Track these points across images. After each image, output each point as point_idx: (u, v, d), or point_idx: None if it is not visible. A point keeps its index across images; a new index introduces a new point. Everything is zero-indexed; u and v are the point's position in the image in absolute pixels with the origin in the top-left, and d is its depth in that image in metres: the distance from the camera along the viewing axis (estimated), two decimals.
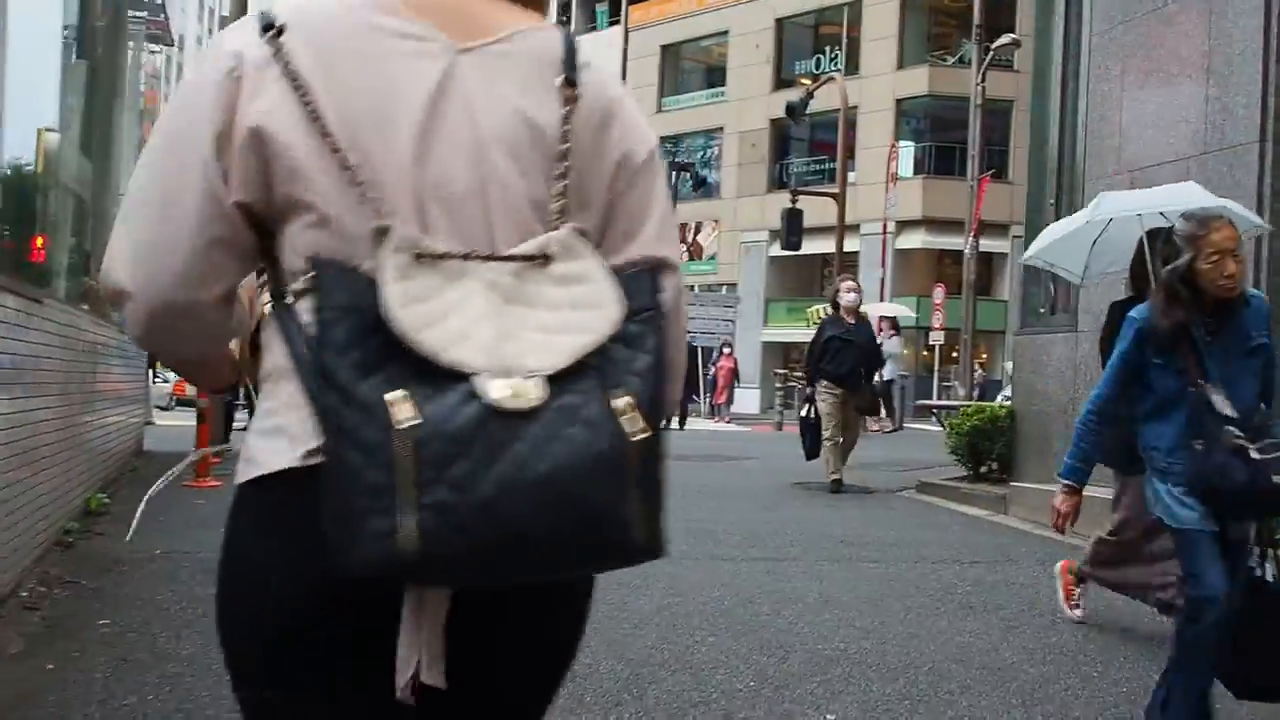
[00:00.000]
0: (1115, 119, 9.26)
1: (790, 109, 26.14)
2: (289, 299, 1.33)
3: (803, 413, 10.79)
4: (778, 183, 46.44)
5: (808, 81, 45.54)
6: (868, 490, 10.72)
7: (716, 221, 47.78)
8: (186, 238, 1.32)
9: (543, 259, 1.33)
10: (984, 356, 42.76)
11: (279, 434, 1.31)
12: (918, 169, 40.96)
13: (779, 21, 46.75)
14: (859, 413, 10.94)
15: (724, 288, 42.59)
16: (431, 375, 1.22)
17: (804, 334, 44.34)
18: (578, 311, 1.31)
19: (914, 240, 39.84)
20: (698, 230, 47.87)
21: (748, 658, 4.81)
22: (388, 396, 1.20)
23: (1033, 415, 10.14)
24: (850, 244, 39.94)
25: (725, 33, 48.54)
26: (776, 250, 45.22)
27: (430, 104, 1.35)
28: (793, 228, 24.32)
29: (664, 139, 50.49)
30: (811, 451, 10.54)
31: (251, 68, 1.32)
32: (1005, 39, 23.81)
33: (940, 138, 41.23)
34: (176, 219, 1.32)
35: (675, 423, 18.96)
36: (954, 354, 42.07)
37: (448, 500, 1.17)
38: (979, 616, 5.79)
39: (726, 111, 47.77)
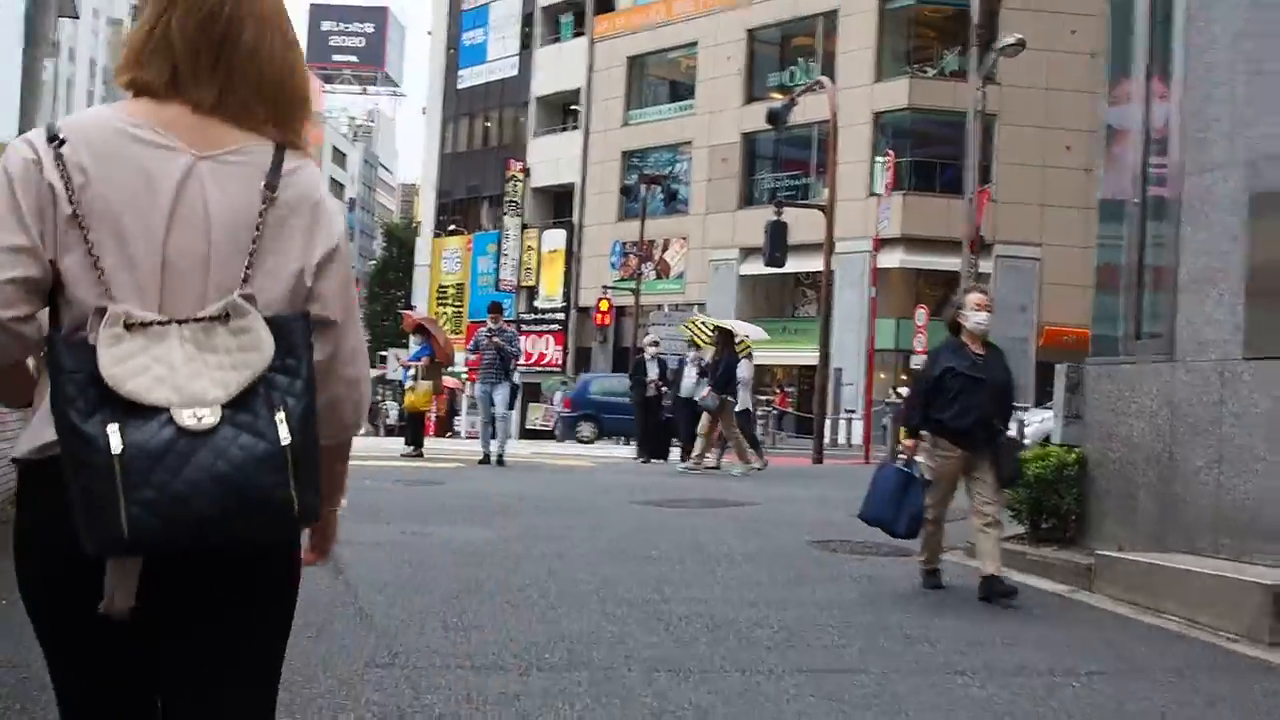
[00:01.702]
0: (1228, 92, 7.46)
1: (773, 116, 24.36)
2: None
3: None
4: (749, 199, 44.72)
5: (779, 96, 44.03)
6: (902, 551, 8.79)
7: (684, 239, 45.95)
8: None
9: (224, 317, 1.86)
10: None
11: (40, 429, 1.89)
12: (896, 185, 39.26)
13: (750, 33, 44.98)
14: (1001, 482, 7.33)
15: (695, 307, 40.67)
16: (139, 411, 1.77)
17: (776, 356, 42.84)
18: (244, 354, 1.85)
19: (892, 259, 38.04)
20: (665, 248, 45.99)
21: None
22: (106, 430, 1.75)
23: (1110, 464, 8.26)
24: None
25: (694, 44, 46.74)
26: (747, 269, 43.48)
27: (176, 193, 1.91)
28: (776, 242, 22.47)
29: (630, 153, 48.63)
30: (905, 525, 7.42)
31: (47, 160, 1.88)
32: (1010, 39, 21.99)
33: (920, 153, 39.57)
34: None
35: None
36: None
37: (152, 498, 1.73)
38: None
39: (696, 125, 45.97)
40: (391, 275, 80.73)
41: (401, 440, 19.17)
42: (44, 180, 1.85)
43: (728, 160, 44.54)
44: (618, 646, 5.43)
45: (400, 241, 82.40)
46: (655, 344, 19.63)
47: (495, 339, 15.57)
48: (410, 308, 51.74)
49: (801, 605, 6.58)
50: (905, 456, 7.52)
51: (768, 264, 23.20)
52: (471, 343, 17.41)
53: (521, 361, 18.39)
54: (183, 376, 1.80)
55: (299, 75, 2.09)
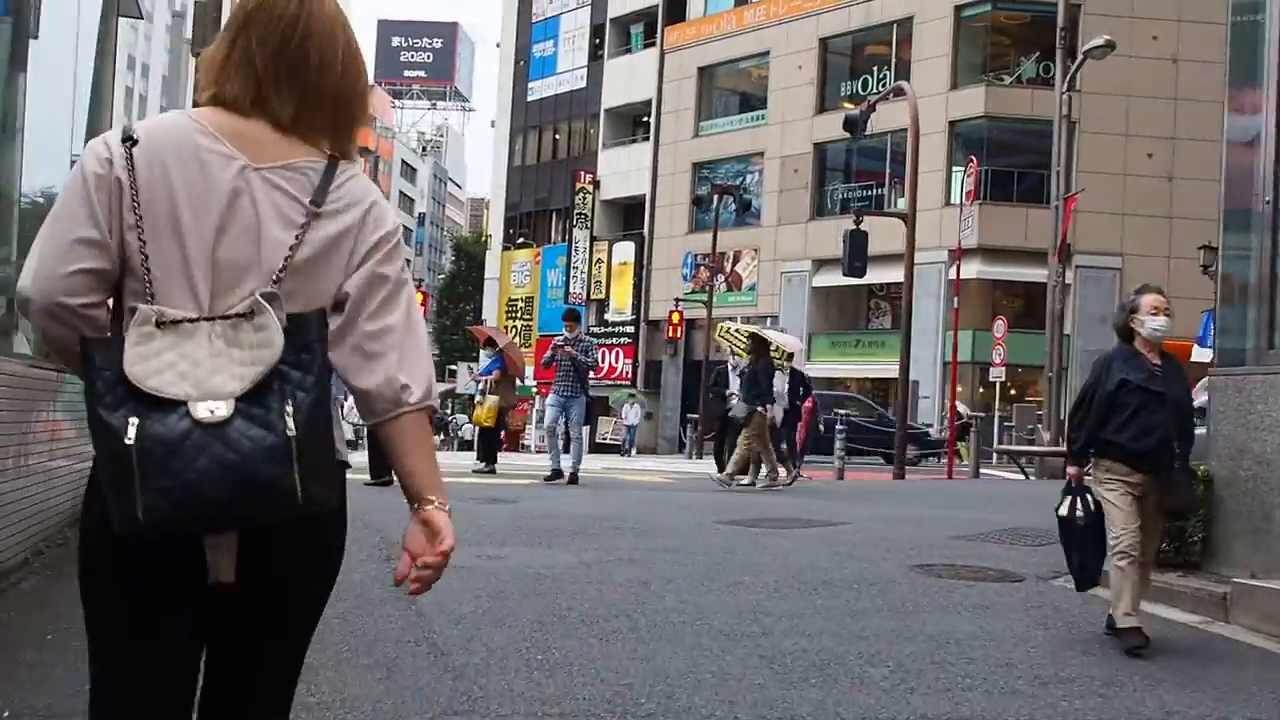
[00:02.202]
0: None
1: (850, 123, 23.73)
2: None
3: (1062, 510, 6.46)
4: (821, 210, 44.04)
5: (850, 106, 43.33)
6: (1011, 576, 8.20)
7: (756, 250, 45.34)
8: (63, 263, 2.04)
9: (250, 314, 1.98)
10: (1041, 396, 40.12)
11: None
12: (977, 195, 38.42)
13: (823, 41, 44.35)
14: (1170, 513, 6.49)
15: (767, 320, 40.04)
16: (160, 405, 1.91)
17: (850, 369, 42.07)
18: (259, 350, 1.97)
19: (969, 270, 37.03)
20: (736, 260, 45.41)
21: None
22: (127, 423, 1.89)
23: (1241, 483, 7.61)
24: (901, 273, 37.54)
25: (766, 54, 46.18)
26: (820, 280, 42.78)
27: (230, 199, 2.05)
28: (856, 251, 21.81)
29: (701, 164, 48.12)
30: (1083, 573, 6.43)
31: (119, 160, 2.04)
32: (1099, 40, 21.25)
33: (997, 162, 38.67)
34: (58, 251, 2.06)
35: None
36: (1013, 392, 39.60)
37: (166, 486, 1.87)
38: None
39: (767, 135, 45.37)
40: (461, 289, 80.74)
41: (474, 455, 18.74)
42: (114, 176, 2.01)
43: (799, 171, 43.90)
44: (720, 689, 4.90)
45: (469, 255, 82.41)
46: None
47: (569, 349, 14.93)
48: (479, 322, 51.62)
49: (914, 639, 6.01)
50: (1073, 485, 6.43)
51: (847, 273, 22.54)
52: (548, 352, 16.63)
53: (596, 374, 17.91)
54: (205, 371, 1.94)
55: (362, 86, 2.24)
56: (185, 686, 2.12)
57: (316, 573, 2.16)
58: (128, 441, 1.88)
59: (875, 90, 39.78)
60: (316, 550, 2.14)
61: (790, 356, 17.52)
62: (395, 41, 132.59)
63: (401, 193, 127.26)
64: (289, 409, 1.94)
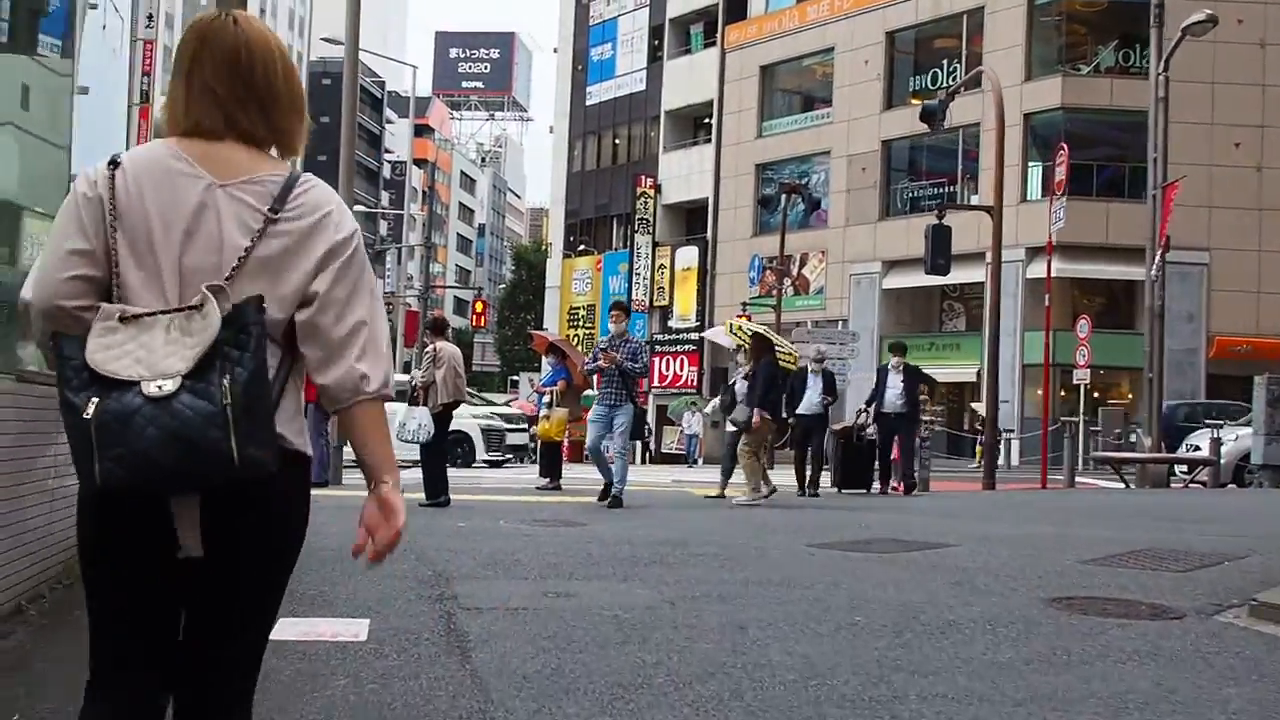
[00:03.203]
0: None
1: (928, 114, 22.47)
2: None
3: None
4: (890, 209, 42.70)
5: (917, 101, 41.96)
6: (1168, 611, 6.99)
7: (823, 252, 44.07)
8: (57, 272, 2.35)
9: (200, 305, 2.24)
10: (1129, 398, 38.53)
11: None
12: (1048, 190, 36.92)
13: (890, 35, 43.05)
14: None
15: (839, 323, 38.78)
16: (117, 385, 2.18)
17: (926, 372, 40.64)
18: (201, 335, 2.22)
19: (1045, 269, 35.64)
20: (803, 263, 44.17)
21: None
22: (89, 401, 2.17)
23: None
24: (975, 273, 36.14)
25: (830, 50, 44.94)
26: (890, 282, 41.45)
27: (195, 212, 2.33)
28: (939, 248, 20.52)
29: (764, 165, 46.91)
30: None
31: (103, 182, 2.34)
32: (1197, 15, 19.88)
33: (1075, 155, 37.00)
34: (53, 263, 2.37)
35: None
36: (1096, 395, 37.96)
37: (121, 453, 2.14)
38: None
39: (833, 134, 44.10)
40: (522, 298, 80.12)
41: (537, 471, 17.68)
42: (98, 196, 2.33)
43: (867, 170, 42.66)
44: None
45: (530, 264, 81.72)
46: (820, 359, 17.50)
47: (613, 353, 13.21)
48: (540, 329, 50.65)
49: (1084, 702, 4.84)
50: None
51: (930, 271, 21.28)
52: (589, 357, 15.11)
53: (647, 379, 16.68)
54: (158, 356, 2.22)
55: (300, 87, 2.54)
56: (164, 632, 2.40)
57: (270, 543, 2.39)
58: (85, 416, 2.16)
59: (946, 84, 38.44)
60: (269, 520, 2.37)
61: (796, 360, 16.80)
62: (453, 53, 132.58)
63: (461, 204, 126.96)
64: (227, 382, 2.18)
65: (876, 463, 17.70)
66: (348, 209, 2.48)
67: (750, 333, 15.70)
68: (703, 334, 25.06)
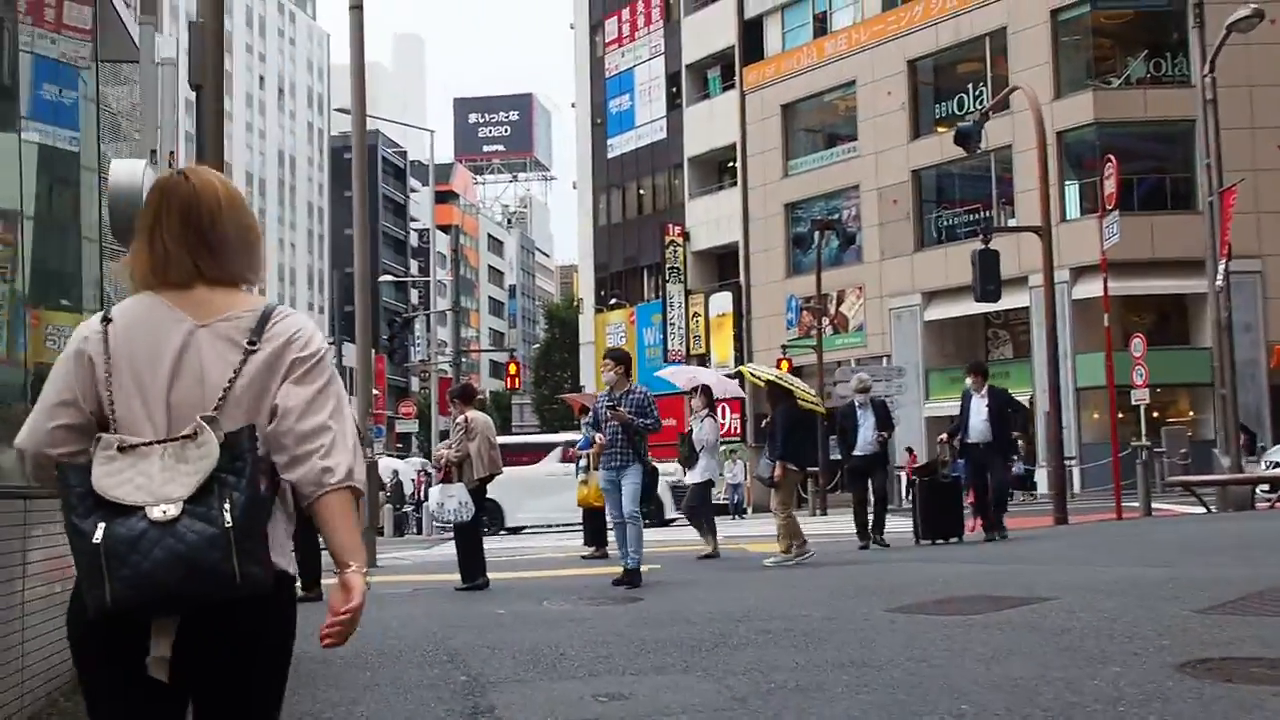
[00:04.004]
0: None
1: (964, 137, 21.56)
2: None
3: None
4: (925, 240, 41.72)
5: (943, 130, 41.06)
6: None
7: (860, 288, 43.09)
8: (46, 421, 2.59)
9: (191, 435, 2.44)
10: (1189, 415, 37.26)
11: None
12: (1087, 208, 35.89)
13: (911, 64, 42.21)
14: None
15: (883, 359, 37.72)
16: (122, 511, 2.34)
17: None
18: (200, 462, 2.40)
19: (1093, 288, 34.51)
20: (840, 300, 43.16)
21: None
22: (96, 526, 2.33)
23: None
24: (1018, 298, 35.07)
25: (851, 83, 44.15)
26: (932, 313, 40.40)
27: (178, 354, 2.55)
28: (987, 274, 19.52)
29: (793, 205, 46.07)
30: None
31: (93, 338, 2.58)
32: (1243, 11, 18.93)
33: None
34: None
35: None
36: (1154, 415, 36.65)
37: (128, 575, 2.28)
38: None
39: (861, 167, 43.23)
40: (556, 357, 79.40)
41: (581, 539, 16.72)
42: (86, 353, 2.56)
43: (899, 202, 41.73)
44: None
45: (562, 322, 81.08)
46: (865, 389, 15.82)
47: (621, 411, 11.40)
48: (578, 389, 49.80)
49: None
50: None
51: (980, 299, 20.27)
52: (589, 416, 13.68)
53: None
54: (158, 482, 2.39)
55: (248, 228, 2.75)
56: None
57: (262, 654, 2.55)
58: (95, 541, 2.32)
59: (972, 109, 37.55)
60: (262, 633, 2.53)
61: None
62: (472, 118, 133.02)
63: (491, 267, 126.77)
64: (227, 506, 2.37)
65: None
66: (319, 332, 2.70)
67: (765, 380, 14.38)
68: (659, 373, 23.63)
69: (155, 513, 2.31)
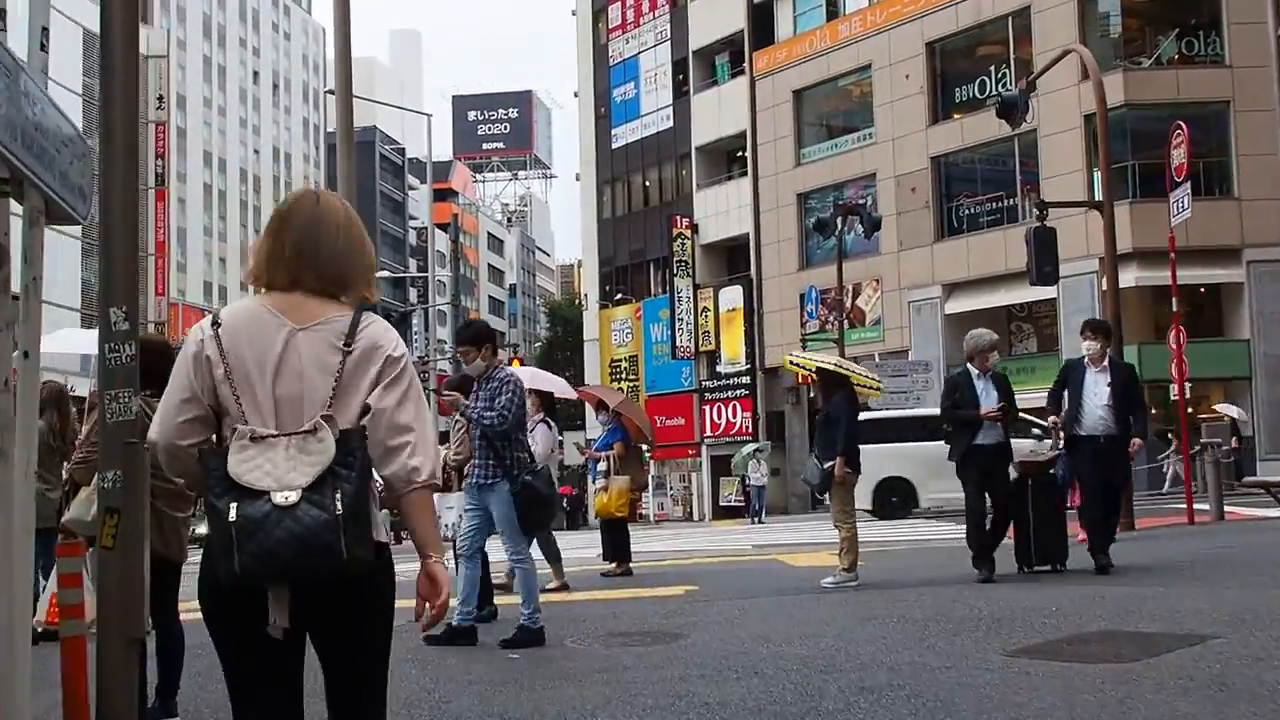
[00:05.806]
0: None
1: (1008, 107, 19.76)
2: None
3: None
4: (946, 229, 39.93)
5: (959, 116, 39.28)
6: None
7: (877, 281, 41.29)
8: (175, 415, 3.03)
9: (312, 430, 2.88)
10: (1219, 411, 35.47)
11: None
12: (1118, 194, 34.11)
13: (930, 46, 40.37)
14: None
15: (907, 355, 35.92)
16: (251, 494, 2.79)
17: None
18: (319, 455, 2.84)
19: (1125, 278, 32.71)
20: (856, 294, 41.34)
21: None
22: (229, 505, 2.78)
23: None
24: (1049, 289, 33.19)
25: (867, 67, 42.32)
26: (953, 306, 38.62)
27: (280, 355, 2.98)
28: (1044, 254, 17.67)
29: (806, 194, 44.28)
30: None
31: (208, 340, 3.02)
32: None
33: (1143, 155, 34.19)
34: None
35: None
36: (1190, 410, 34.81)
37: (254, 549, 2.74)
38: None
39: (877, 155, 41.41)
40: (559, 355, 77.63)
41: (599, 553, 14.90)
42: (204, 354, 2.99)
43: (917, 190, 39.93)
44: None
45: (565, 319, 79.31)
46: (989, 348, 10.95)
47: (466, 406, 8.45)
48: (581, 384, 47.99)
49: None
50: None
51: (1035, 282, 18.42)
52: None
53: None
54: (282, 470, 2.83)
55: (368, 256, 3.22)
56: (288, 686, 3.05)
57: (369, 614, 3.03)
58: (230, 519, 2.75)
59: (996, 92, 35.76)
60: (369, 597, 2.99)
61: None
62: (471, 116, 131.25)
63: (490, 266, 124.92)
64: (339, 495, 2.80)
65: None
66: (400, 337, 3.16)
67: (816, 368, 11.72)
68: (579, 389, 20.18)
69: (279, 497, 2.77)
